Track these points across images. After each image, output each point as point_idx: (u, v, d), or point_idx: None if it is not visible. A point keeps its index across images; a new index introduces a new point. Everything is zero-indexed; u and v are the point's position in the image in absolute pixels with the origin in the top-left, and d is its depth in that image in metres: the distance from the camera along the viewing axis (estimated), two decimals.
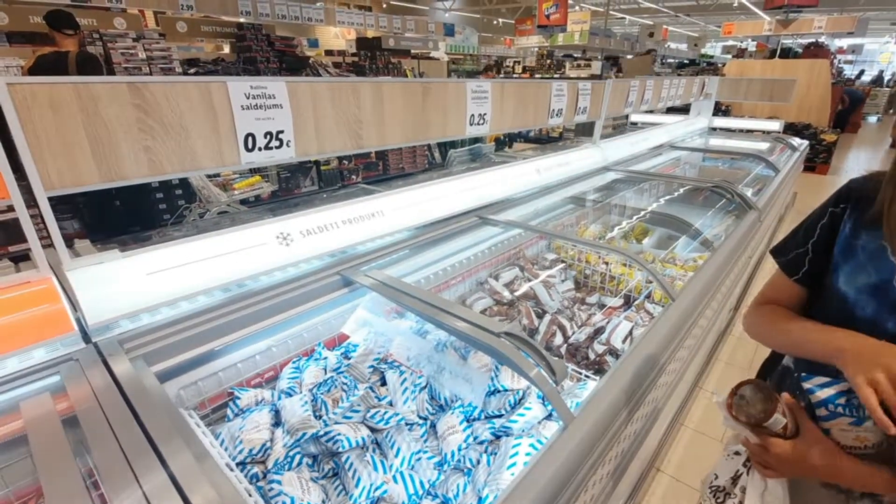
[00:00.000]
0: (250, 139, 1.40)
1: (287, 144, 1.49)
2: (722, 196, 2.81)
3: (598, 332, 1.95)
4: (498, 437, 1.28)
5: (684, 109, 5.58)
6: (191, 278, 1.28)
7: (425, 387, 1.43)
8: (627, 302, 2.24)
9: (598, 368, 1.76)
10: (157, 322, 1.25)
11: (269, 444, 1.18)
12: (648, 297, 2.19)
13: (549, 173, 2.59)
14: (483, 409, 1.36)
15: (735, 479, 1.03)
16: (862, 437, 0.77)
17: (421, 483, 1.14)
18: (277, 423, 1.25)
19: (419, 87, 1.84)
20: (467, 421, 1.32)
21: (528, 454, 1.13)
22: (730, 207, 2.80)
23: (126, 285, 1.19)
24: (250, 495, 0.97)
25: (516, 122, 2.36)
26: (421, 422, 1.35)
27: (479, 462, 1.21)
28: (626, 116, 5.56)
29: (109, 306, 1.15)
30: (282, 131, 1.46)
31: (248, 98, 1.36)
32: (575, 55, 13.12)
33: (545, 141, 9.85)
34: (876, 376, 0.69)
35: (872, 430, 0.76)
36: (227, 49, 8.02)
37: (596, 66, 10.88)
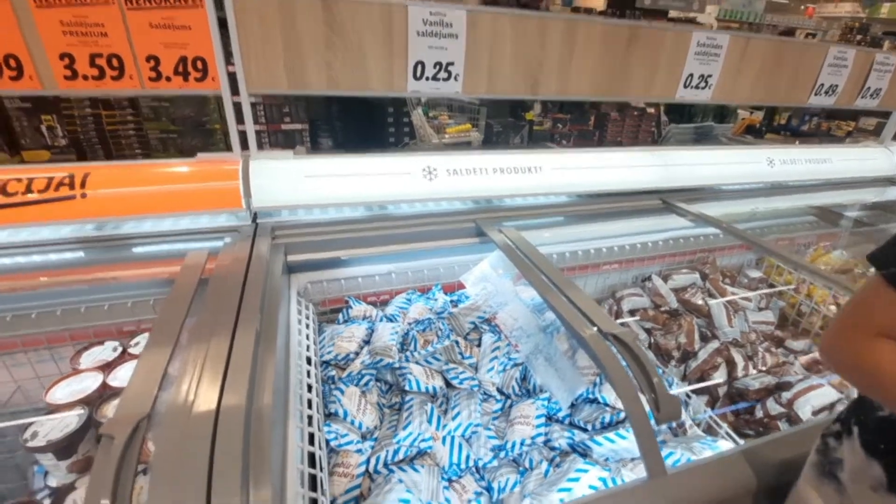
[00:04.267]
0: (420, 67, 1.40)
1: (455, 78, 1.44)
2: None
3: (783, 387, 1.44)
4: (574, 451, 1.08)
5: None
6: (339, 188, 1.40)
7: (520, 364, 1.29)
8: None
9: (759, 433, 1.32)
10: (306, 220, 1.42)
11: (352, 356, 1.25)
12: None
13: (787, 168, 1.94)
14: (570, 414, 1.16)
15: None
16: None
17: (468, 457, 1.06)
18: (368, 341, 1.31)
19: (625, 30, 1.54)
20: (547, 418, 1.15)
21: (591, 486, 0.92)
22: None
23: (287, 182, 1.36)
24: (309, 389, 1.05)
25: (756, 93, 1.80)
26: (500, 397, 1.23)
27: (537, 467, 1.05)
28: None
29: (271, 195, 1.35)
30: (451, 63, 1.42)
31: (424, 24, 1.34)
32: None
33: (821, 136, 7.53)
34: None
35: None
36: None
37: None
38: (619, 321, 1.73)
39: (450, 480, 1.06)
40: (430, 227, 1.45)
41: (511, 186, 1.55)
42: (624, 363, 0.92)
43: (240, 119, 1.33)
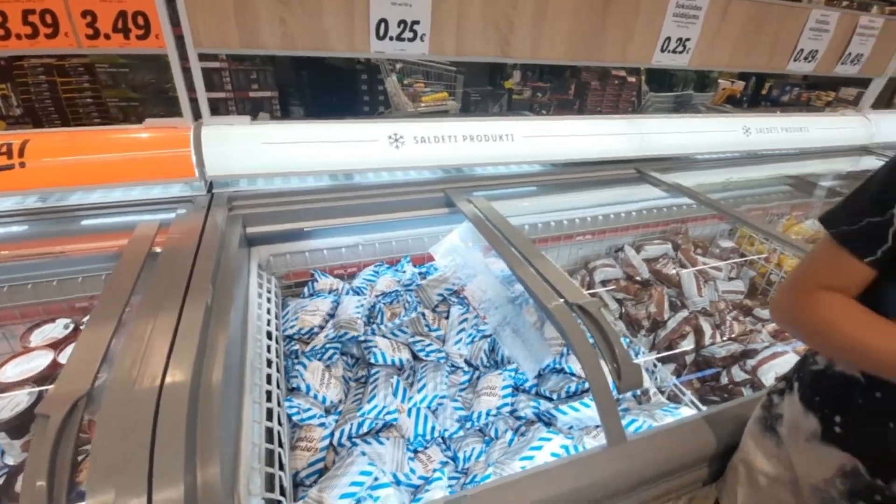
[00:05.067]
0: (382, 25, 1.32)
1: (421, 38, 1.37)
2: None
3: (748, 355, 1.46)
4: (539, 420, 1.08)
5: None
6: (300, 156, 1.33)
7: (488, 336, 1.28)
8: None
9: (724, 399, 1.34)
10: (266, 190, 1.36)
11: (316, 330, 1.21)
12: None
13: (763, 137, 1.93)
14: (536, 385, 1.16)
15: None
16: None
17: (433, 428, 1.05)
18: (333, 315, 1.28)
19: None
20: (514, 389, 1.15)
21: (554, 454, 0.92)
22: None
23: (244, 149, 1.29)
24: (270, 364, 1.02)
25: (736, 58, 1.76)
26: (467, 369, 1.22)
27: (502, 437, 1.04)
28: None
29: (226, 164, 1.28)
30: (417, 22, 1.34)
31: None
32: None
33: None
34: None
35: None
36: None
37: None
38: (591, 292, 1.73)
39: (415, 451, 1.05)
40: (397, 198, 1.41)
41: (481, 155, 1.50)
42: (588, 333, 0.90)
43: (190, 84, 1.24)
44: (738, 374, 1.40)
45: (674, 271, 1.76)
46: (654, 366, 1.36)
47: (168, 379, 0.71)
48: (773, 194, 2.11)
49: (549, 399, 1.12)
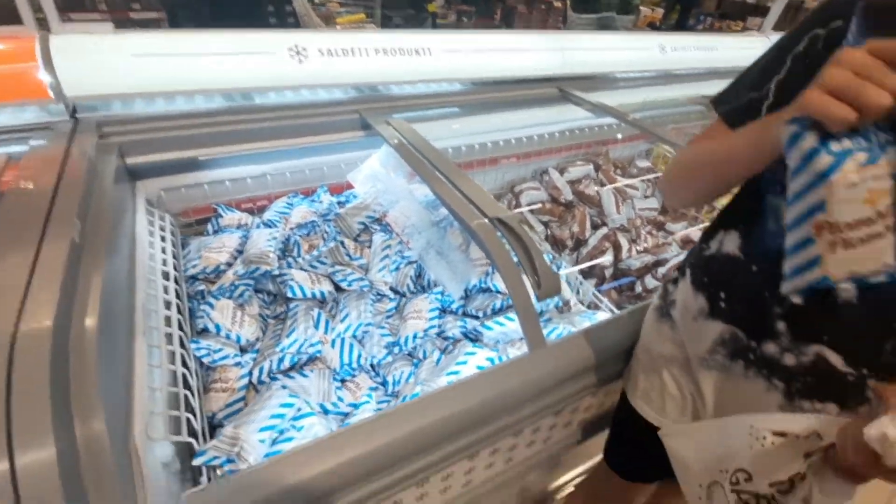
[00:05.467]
0: None
1: None
2: None
3: (660, 264, 1.56)
4: (467, 339, 1.09)
5: None
6: (182, 72, 1.15)
7: (414, 262, 1.24)
8: None
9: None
10: (147, 113, 1.16)
11: (224, 268, 1.11)
12: None
13: (678, 56, 1.95)
14: (463, 305, 1.16)
15: (790, 484, 0.59)
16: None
17: (359, 356, 1.02)
18: (243, 251, 1.17)
19: None
20: (441, 311, 1.14)
21: (479, 367, 0.93)
22: None
23: (110, 64, 1.08)
24: (168, 306, 0.92)
25: None
26: (394, 296, 1.19)
27: (430, 357, 1.04)
28: None
29: (90, 82, 1.07)
30: None
31: None
32: None
33: None
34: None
35: None
36: None
37: None
38: (517, 212, 1.73)
39: (343, 381, 1.02)
40: (306, 120, 1.27)
41: (397, 71, 1.38)
42: (508, 247, 0.89)
43: None
44: (650, 282, 1.50)
45: (594, 192, 1.80)
46: (580, 283, 1.42)
47: (23, 326, 0.60)
48: (689, 114, 2.18)
49: (476, 317, 1.12)
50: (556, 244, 1.71)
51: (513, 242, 0.89)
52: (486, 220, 0.93)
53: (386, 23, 4.57)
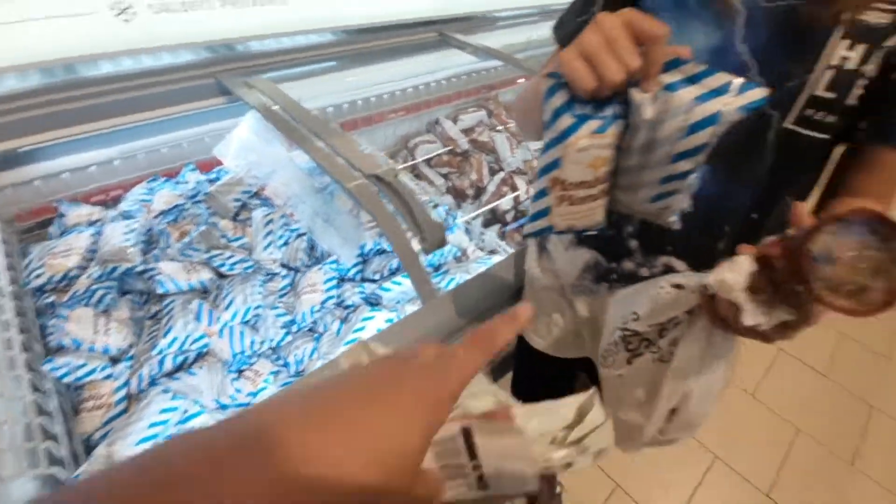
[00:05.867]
0: None
1: None
2: None
3: None
4: (367, 304, 1.06)
5: None
6: None
7: (304, 234, 1.17)
8: None
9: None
10: None
11: (76, 273, 0.97)
12: None
13: None
14: (361, 270, 1.12)
15: (665, 327, 0.60)
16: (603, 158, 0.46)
17: (252, 342, 0.95)
18: (96, 249, 1.03)
19: None
20: (339, 280, 1.09)
21: (378, 330, 0.90)
22: None
23: None
24: (7, 328, 0.79)
25: None
26: (286, 273, 1.12)
27: (329, 329, 1.00)
28: None
29: None
30: None
31: None
32: None
33: None
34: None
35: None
36: None
37: None
38: (410, 165, 1.69)
39: (240, 371, 0.95)
40: (150, 90, 1.11)
41: (254, 24, 1.23)
42: (391, 204, 0.85)
43: None
44: None
45: (488, 138, 1.80)
46: (481, 231, 1.42)
47: None
48: None
49: (374, 281, 1.09)
50: (458, 195, 1.70)
51: (392, 197, 0.85)
52: (364, 180, 0.88)
53: None
